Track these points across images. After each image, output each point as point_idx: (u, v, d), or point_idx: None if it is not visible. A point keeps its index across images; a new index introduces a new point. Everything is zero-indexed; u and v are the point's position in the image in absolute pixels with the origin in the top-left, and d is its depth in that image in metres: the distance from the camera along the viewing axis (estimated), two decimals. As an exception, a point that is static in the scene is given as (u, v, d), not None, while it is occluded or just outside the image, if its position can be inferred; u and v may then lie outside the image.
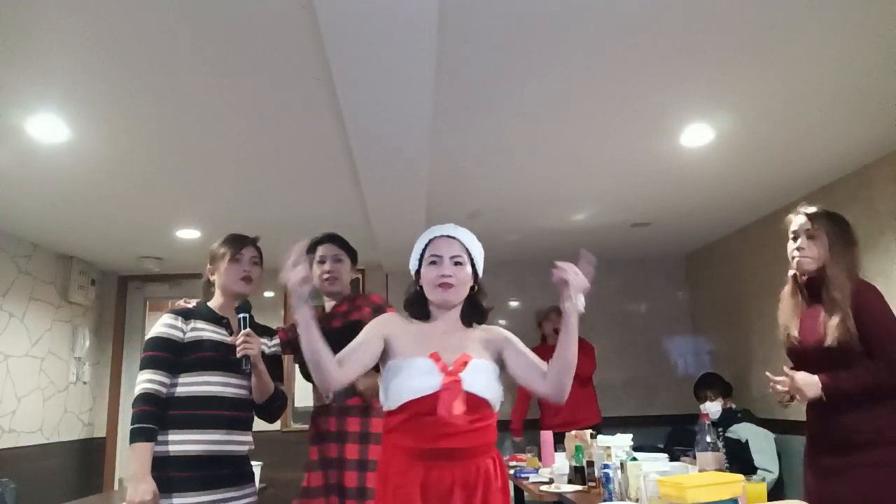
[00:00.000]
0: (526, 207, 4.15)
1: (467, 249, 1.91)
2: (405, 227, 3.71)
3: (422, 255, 1.92)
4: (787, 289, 2.29)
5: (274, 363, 2.36)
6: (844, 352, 2.05)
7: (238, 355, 2.12)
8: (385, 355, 1.86)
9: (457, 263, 1.87)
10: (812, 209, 2.21)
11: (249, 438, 2.27)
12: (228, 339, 2.21)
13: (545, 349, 4.76)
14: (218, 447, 2.13)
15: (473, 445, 1.74)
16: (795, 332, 2.20)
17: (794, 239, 2.20)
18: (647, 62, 2.43)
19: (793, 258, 2.20)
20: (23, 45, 2.17)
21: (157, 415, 2.07)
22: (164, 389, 2.10)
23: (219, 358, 2.17)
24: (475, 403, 1.75)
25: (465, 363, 1.78)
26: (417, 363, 1.79)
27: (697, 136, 3.08)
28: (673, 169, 3.50)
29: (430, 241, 1.92)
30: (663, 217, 4.44)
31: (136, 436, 2.04)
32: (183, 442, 2.09)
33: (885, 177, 3.34)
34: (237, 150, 3.13)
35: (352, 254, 2.63)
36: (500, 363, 1.88)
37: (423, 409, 1.74)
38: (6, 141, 2.87)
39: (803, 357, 2.18)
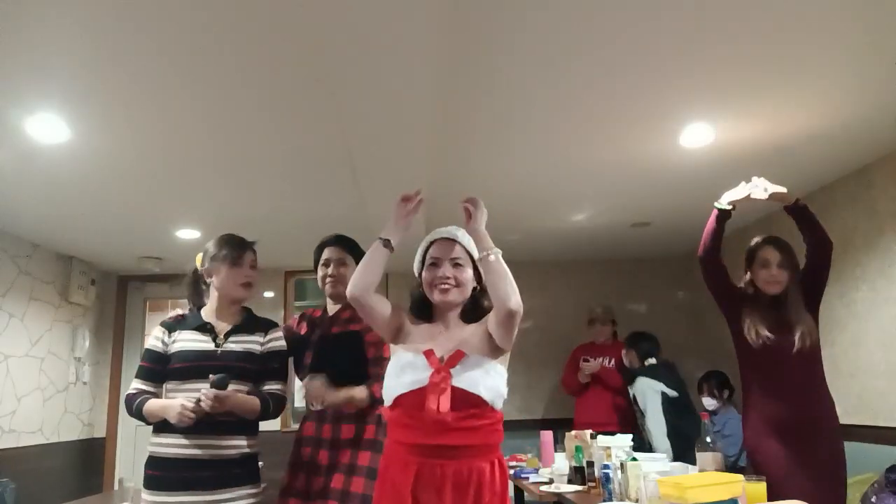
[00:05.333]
0: (526, 207, 4.15)
1: (468, 251, 1.91)
2: (405, 227, 3.70)
3: (424, 257, 1.93)
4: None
5: (272, 360, 2.33)
6: (813, 350, 2.44)
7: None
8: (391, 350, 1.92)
9: (456, 265, 1.88)
10: (782, 244, 2.68)
11: (240, 442, 2.22)
12: (210, 348, 2.24)
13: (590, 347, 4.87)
14: (199, 451, 2.14)
15: (467, 444, 1.73)
16: (767, 333, 2.54)
17: (766, 266, 2.66)
18: (648, 62, 2.43)
19: (767, 283, 2.62)
20: (22, 44, 2.17)
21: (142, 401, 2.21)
22: (148, 396, 2.22)
23: (194, 368, 2.20)
24: (466, 399, 1.73)
25: (459, 359, 1.77)
26: (410, 358, 1.81)
27: (697, 136, 3.08)
28: (673, 169, 3.50)
29: (431, 243, 1.93)
30: (663, 217, 4.43)
31: (138, 407, 2.18)
32: (165, 445, 2.16)
33: (885, 177, 3.34)
34: (237, 150, 3.13)
35: (359, 257, 2.58)
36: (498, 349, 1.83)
37: (413, 403, 1.74)
38: (6, 141, 2.87)
39: (776, 353, 2.50)
